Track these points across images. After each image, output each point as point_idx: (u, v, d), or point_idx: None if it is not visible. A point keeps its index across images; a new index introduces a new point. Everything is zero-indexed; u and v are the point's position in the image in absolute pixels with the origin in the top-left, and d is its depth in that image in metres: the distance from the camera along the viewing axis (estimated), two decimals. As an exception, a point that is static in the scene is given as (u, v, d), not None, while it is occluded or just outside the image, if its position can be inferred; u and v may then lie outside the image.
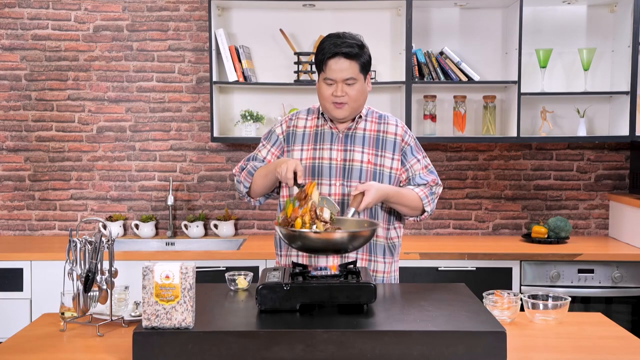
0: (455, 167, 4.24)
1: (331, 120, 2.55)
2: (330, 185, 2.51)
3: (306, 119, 2.60)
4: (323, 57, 2.45)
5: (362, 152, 2.53)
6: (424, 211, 2.57)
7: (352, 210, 2.35)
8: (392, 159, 2.55)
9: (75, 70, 4.19)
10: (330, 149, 2.54)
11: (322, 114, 2.57)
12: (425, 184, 2.57)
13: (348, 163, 2.52)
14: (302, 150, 2.56)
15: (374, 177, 2.52)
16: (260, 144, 2.65)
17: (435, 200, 2.60)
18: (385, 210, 2.57)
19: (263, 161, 2.60)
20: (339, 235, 2.13)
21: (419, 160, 2.58)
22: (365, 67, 2.48)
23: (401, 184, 2.58)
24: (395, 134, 2.57)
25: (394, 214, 2.59)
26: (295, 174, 2.33)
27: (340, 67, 2.43)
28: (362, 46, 2.47)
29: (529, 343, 2.09)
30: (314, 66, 4.03)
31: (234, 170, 2.66)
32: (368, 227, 2.27)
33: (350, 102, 2.47)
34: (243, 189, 2.60)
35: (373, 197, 2.37)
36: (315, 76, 4.05)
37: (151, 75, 4.20)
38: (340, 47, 2.43)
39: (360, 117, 2.56)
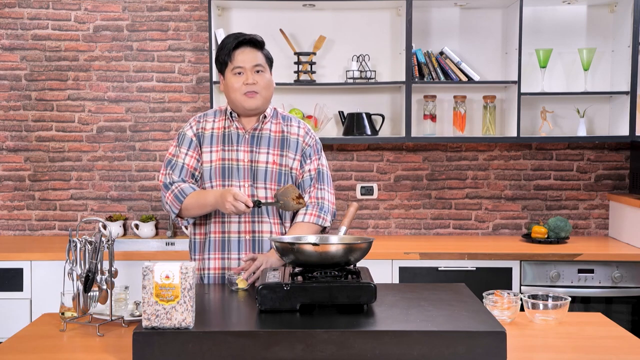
0: (455, 167, 4.24)
1: (238, 121, 2.58)
2: (240, 186, 2.54)
3: (214, 121, 2.62)
4: (229, 49, 2.53)
5: (268, 153, 2.57)
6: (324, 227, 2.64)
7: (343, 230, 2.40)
8: (294, 159, 2.60)
9: (75, 70, 4.19)
10: (237, 150, 2.57)
11: (231, 113, 2.58)
12: (311, 202, 2.58)
13: (254, 164, 2.56)
14: (211, 152, 2.58)
15: (279, 178, 2.56)
16: (175, 149, 2.61)
17: (331, 210, 2.62)
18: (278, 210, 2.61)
19: (183, 167, 2.57)
20: (334, 248, 2.13)
21: (312, 162, 2.63)
22: (269, 61, 2.61)
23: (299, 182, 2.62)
24: (298, 135, 2.62)
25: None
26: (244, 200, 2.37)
27: (247, 55, 2.54)
28: (263, 42, 2.59)
29: (529, 343, 2.09)
30: (314, 66, 4.03)
31: (159, 181, 2.62)
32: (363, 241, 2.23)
33: (261, 91, 2.54)
34: (172, 214, 2.58)
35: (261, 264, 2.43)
36: (315, 76, 4.04)
37: (151, 75, 4.20)
38: (243, 37, 2.54)
39: (265, 117, 2.59)
